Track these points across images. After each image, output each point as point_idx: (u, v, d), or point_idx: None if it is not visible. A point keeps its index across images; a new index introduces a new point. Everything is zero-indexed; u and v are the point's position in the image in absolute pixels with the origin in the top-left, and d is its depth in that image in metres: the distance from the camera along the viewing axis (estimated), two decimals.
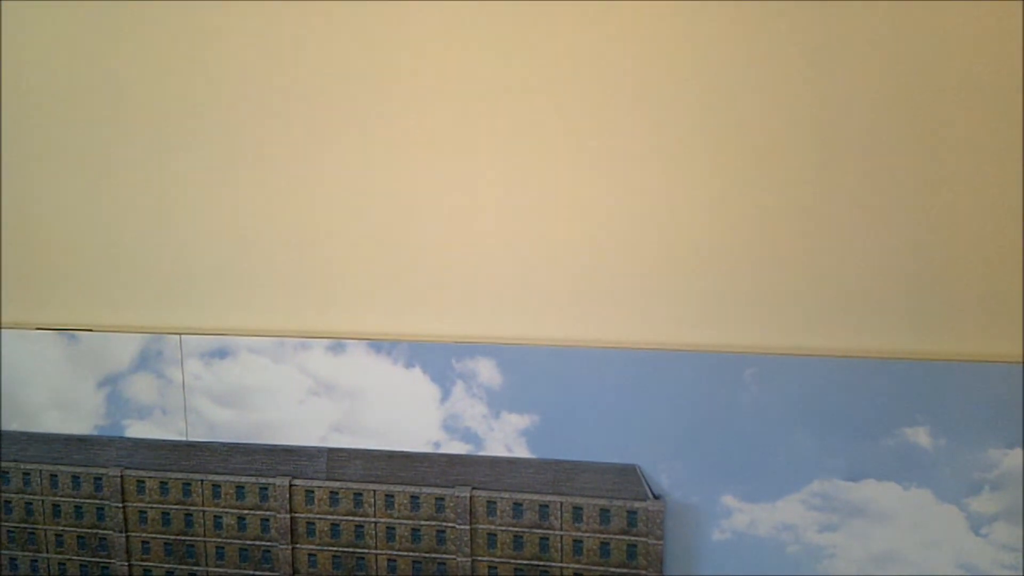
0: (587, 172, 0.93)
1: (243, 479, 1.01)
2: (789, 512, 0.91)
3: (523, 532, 0.94)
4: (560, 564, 0.93)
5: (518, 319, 0.97)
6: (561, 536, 0.93)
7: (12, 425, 1.08)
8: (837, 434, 0.89)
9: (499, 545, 0.95)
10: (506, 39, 0.93)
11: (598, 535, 0.92)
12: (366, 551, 0.98)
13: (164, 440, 1.04)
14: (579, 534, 0.93)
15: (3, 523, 1.09)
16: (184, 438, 1.04)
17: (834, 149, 0.89)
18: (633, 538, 0.92)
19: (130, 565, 1.05)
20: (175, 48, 1.01)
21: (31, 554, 1.08)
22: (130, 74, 1.02)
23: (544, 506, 0.94)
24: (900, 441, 0.88)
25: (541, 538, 0.94)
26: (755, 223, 0.90)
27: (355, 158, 0.98)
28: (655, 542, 0.91)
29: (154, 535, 1.04)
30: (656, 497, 0.92)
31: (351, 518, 0.98)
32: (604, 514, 0.93)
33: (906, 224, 0.88)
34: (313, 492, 0.99)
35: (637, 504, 0.92)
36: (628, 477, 0.93)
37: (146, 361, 1.04)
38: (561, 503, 0.94)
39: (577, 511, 0.93)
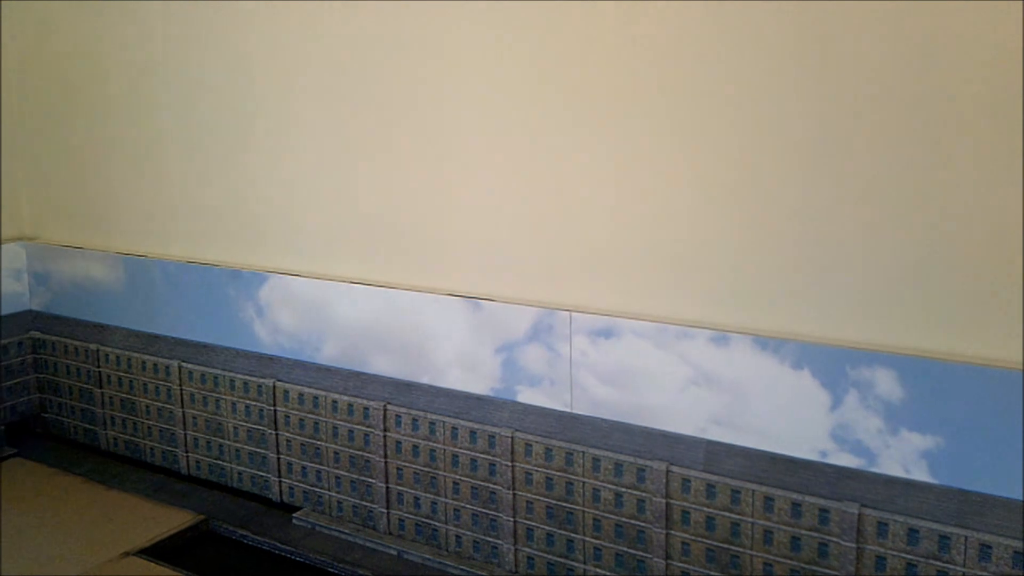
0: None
1: (622, 457, 1.05)
2: None
3: (917, 561, 0.87)
4: None
5: (928, 327, 0.89)
6: (963, 573, 0.85)
7: (423, 379, 1.22)
8: None
9: (888, 570, 0.89)
10: None
11: None
12: (741, 550, 0.97)
13: (551, 409, 1.11)
14: (986, 575, 0.84)
15: (404, 465, 1.24)
16: (569, 410, 1.10)
17: None
18: None
19: (515, 522, 1.14)
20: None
21: (431, 496, 1.21)
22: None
23: (945, 537, 0.86)
24: None
25: (939, 571, 0.86)
26: None
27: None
28: None
29: (538, 497, 1.12)
30: None
31: (728, 514, 0.98)
32: (1017, 558, 0.83)
33: None
34: (690, 481, 1.00)
35: None
36: None
37: (538, 334, 1.11)
38: (966, 537, 0.85)
39: (985, 549, 0.84)
